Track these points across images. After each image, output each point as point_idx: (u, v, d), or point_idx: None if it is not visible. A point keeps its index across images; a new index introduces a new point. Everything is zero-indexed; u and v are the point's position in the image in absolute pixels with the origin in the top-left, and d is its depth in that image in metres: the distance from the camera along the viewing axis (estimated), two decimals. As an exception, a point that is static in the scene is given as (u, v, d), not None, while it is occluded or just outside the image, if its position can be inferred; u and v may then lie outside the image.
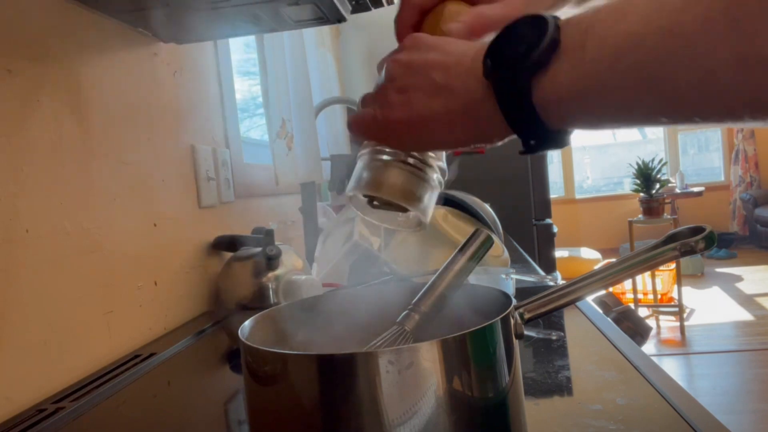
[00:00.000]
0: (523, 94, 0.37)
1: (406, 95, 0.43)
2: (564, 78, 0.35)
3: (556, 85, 0.36)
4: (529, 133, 0.39)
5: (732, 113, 0.31)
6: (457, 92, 0.41)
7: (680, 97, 0.32)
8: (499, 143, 0.42)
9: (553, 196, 2.78)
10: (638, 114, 0.35)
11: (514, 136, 0.40)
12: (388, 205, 0.48)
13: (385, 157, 0.47)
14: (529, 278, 0.95)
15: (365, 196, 0.49)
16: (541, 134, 0.38)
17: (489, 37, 0.39)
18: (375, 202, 0.49)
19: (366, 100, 0.47)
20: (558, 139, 0.39)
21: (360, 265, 1.03)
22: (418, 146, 0.45)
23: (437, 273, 0.48)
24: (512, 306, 0.42)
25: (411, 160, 0.47)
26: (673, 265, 3.69)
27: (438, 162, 0.48)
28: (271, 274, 1.07)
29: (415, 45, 0.44)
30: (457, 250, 0.48)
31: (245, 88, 1.89)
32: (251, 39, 1.72)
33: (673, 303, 3.79)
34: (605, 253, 5.39)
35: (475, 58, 0.40)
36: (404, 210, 0.48)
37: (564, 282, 0.45)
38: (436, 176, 0.48)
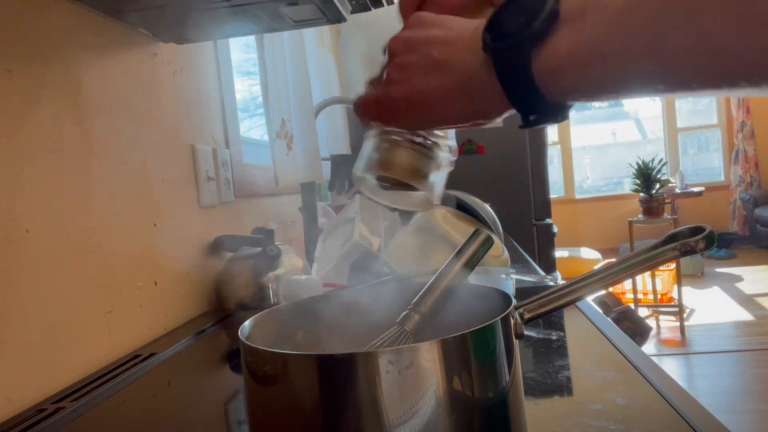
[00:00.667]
0: (522, 65, 0.37)
1: (406, 72, 0.43)
2: (564, 47, 0.36)
3: (556, 55, 0.36)
4: (529, 107, 0.39)
5: (729, 77, 0.32)
6: (455, 67, 0.41)
7: (678, 61, 0.32)
8: (498, 119, 0.42)
9: (553, 196, 2.78)
10: (637, 80, 0.35)
11: (513, 112, 0.40)
12: (397, 185, 0.48)
13: (392, 137, 0.47)
14: (529, 278, 0.95)
15: (375, 178, 0.49)
16: (541, 107, 0.39)
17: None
18: (384, 183, 0.49)
19: (371, 81, 0.47)
20: (557, 113, 0.39)
21: (360, 265, 1.03)
22: (418, 123, 0.45)
23: (437, 273, 0.48)
24: (512, 306, 0.42)
25: (418, 139, 0.47)
26: (673, 265, 3.69)
27: (446, 141, 0.48)
28: (271, 274, 1.07)
29: (418, 23, 0.44)
30: (457, 250, 0.48)
31: (245, 88, 1.89)
32: (251, 39, 1.72)
33: (673, 303, 3.79)
34: (605, 253, 5.40)
35: (474, 33, 0.40)
36: (414, 188, 0.48)
37: (564, 282, 0.45)
38: (443, 154, 0.48)
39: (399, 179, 0.47)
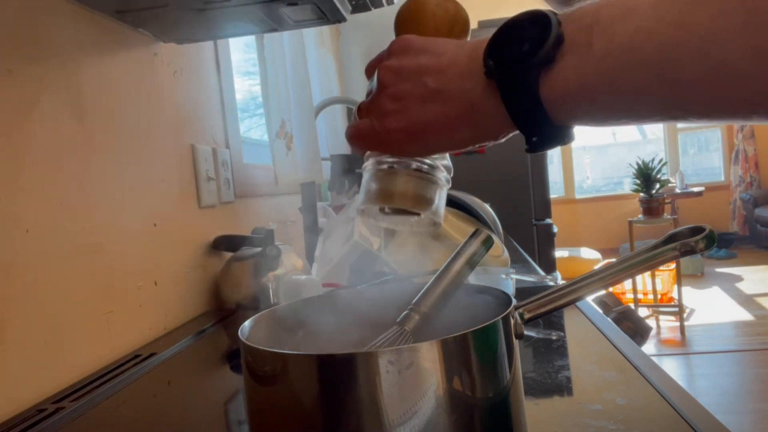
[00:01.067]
0: (530, 91, 0.36)
1: (401, 103, 0.42)
2: (572, 74, 0.35)
3: (564, 81, 0.35)
4: (535, 131, 0.39)
5: (746, 106, 0.31)
6: (453, 95, 0.40)
7: (693, 91, 0.32)
8: (503, 140, 0.42)
9: (553, 196, 2.78)
10: (649, 108, 0.35)
11: (516, 132, 0.40)
12: (400, 212, 0.48)
13: (388, 165, 0.47)
14: (529, 278, 0.95)
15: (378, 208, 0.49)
16: (547, 131, 0.38)
17: (483, 36, 0.39)
18: (387, 210, 0.49)
19: (361, 110, 0.46)
20: (563, 135, 0.39)
21: (360, 265, 1.03)
22: (419, 152, 0.45)
23: (437, 273, 0.48)
24: (512, 306, 0.42)
25: (415, 165, 0.46)
26: (673, 265, 3.69)
27: (443, 161, 0.48)
28: (271, 274, 1.07)
29: (404, 48, 0.43)
30: (457, 250, 0.48)
31: (245, 88, 1.89)
32: (251, 39, 1.72)
33: (673, 303, 3.79)
34: (605, 253, 5.40)
35: (470, 58, 0.39)
36: (417, 214, 0.48)
37: (564, 282, 0.45)
38: (442, 175, 0.48)
39: (402, 208, 0.47)
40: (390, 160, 0.47)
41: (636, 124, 0.37)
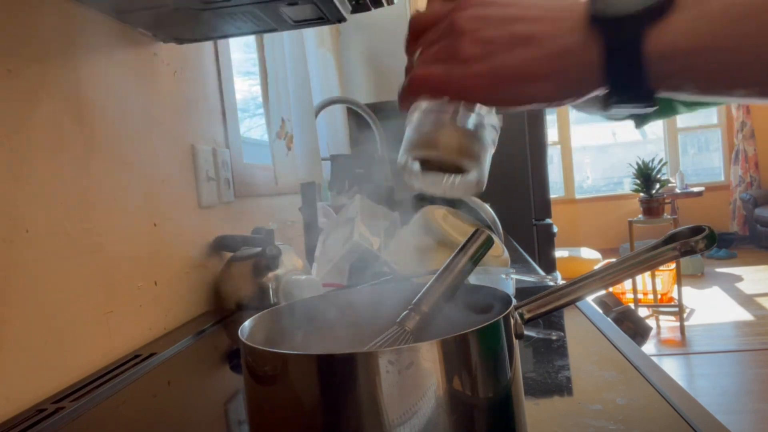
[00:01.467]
0: (635, 43, 0.35)
1: (487, 48, 0.40)
2: (682, 31, 0.34)
3: (672, 36, 0.35)
4: (627, 87, 0.37)
5: None
6: (546, 40, 0.39)
7: None
8: (583, 99, 0.40)
9: (553, 196, 2.78)
10: (753, 79, 0.34)
11: (601, 92, 0.39)
12: (441, 169, 0.45)
13: (435, 117, 0.43)
14: (529, 278, 0.95)
15: (419, 161, 0.45)
16: (638, 90, 0.37)
17: None
18: (426, 167, 0.45)
19: (426, 56, 0.43)
20: (648, 101, 0.38)
21: (360, 265, 1.03)
22: (500, 101, 0.42)
23: (437, 273, 0.48)
24: (512, 306, 0.42)
25: (463, 118, 0.43)
26: (673, 265, 3.69)
27: (491, 119, 0.45)
28: (271, 274, 1.07)
29: (482, 1, 0.42)
30: (457, 250, 0.48)
31: (245, 88, 1.89)
32: (251, 39, 1.72)
33: (673, 303, 3.79)
34: (605, 253, 5.40)
35: (566, 10, 0.39)
36: (459, 171, 0.45)
37: (564, 282, 0.45)
38: (489, 134, 0.45)
39: (446, 159, 0.44)
40: (435, 111, 0.43)
41: (730, 97, 0.36)
